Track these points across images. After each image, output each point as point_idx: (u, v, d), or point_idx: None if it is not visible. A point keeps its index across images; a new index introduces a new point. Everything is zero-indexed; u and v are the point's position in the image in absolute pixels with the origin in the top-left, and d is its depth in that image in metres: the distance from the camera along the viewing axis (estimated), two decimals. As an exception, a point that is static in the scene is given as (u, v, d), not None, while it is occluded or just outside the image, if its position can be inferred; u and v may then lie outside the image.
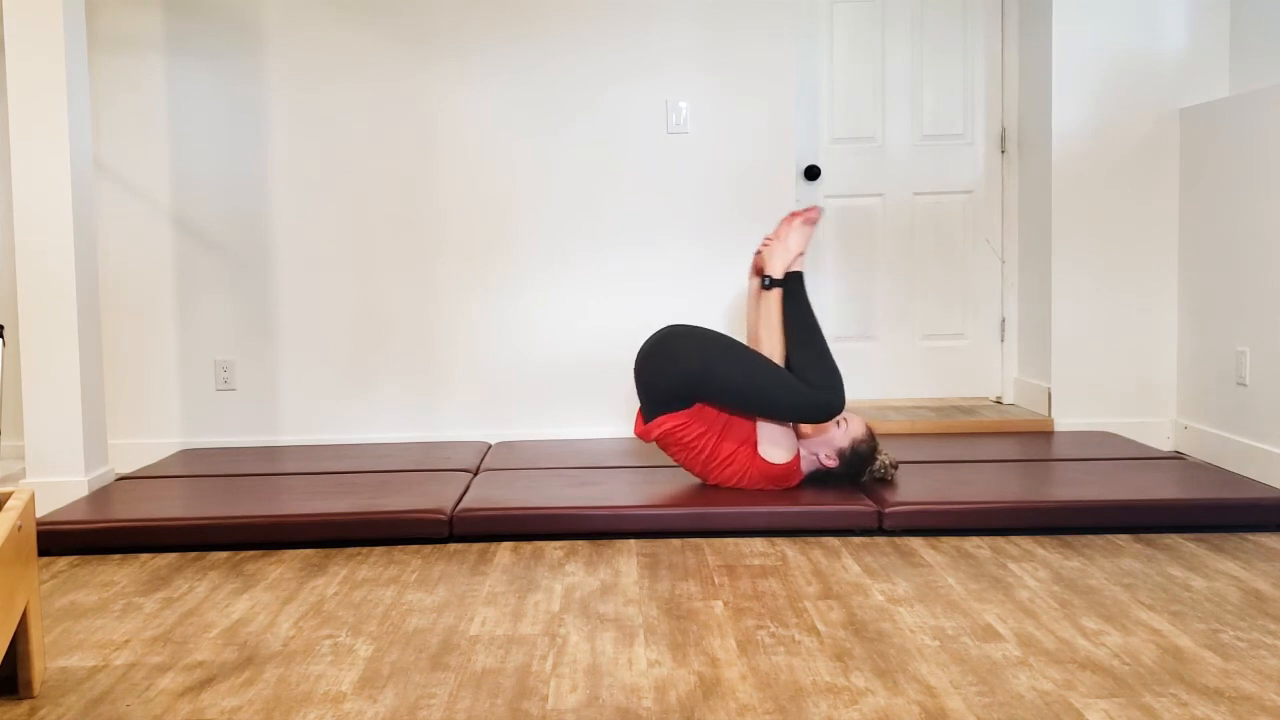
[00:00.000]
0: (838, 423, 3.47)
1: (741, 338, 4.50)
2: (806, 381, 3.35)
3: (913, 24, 4.90)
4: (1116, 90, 4.43)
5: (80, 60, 3.76)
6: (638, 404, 3.79)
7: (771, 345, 3.45)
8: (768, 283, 3.47)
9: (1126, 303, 4.49)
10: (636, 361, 3.51)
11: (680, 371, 3.38)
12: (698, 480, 3.57)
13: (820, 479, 3.53)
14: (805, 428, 3.47)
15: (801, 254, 3.50)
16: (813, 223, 3.52)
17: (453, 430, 4.57)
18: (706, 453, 3.44)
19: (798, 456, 3.46)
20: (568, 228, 4.49)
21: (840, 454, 3.46)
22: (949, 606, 2.58)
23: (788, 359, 3.43)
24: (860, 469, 3.49)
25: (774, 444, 3.44)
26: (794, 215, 3.52)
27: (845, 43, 4.91)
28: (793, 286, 3.47)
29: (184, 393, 4.54)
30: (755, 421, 3.45)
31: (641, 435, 3.51)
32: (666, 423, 3.43)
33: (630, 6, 4.48)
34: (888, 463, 3.52)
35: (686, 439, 3.43)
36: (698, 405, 3.41)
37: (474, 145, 4.51)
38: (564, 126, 4.51)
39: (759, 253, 3.55)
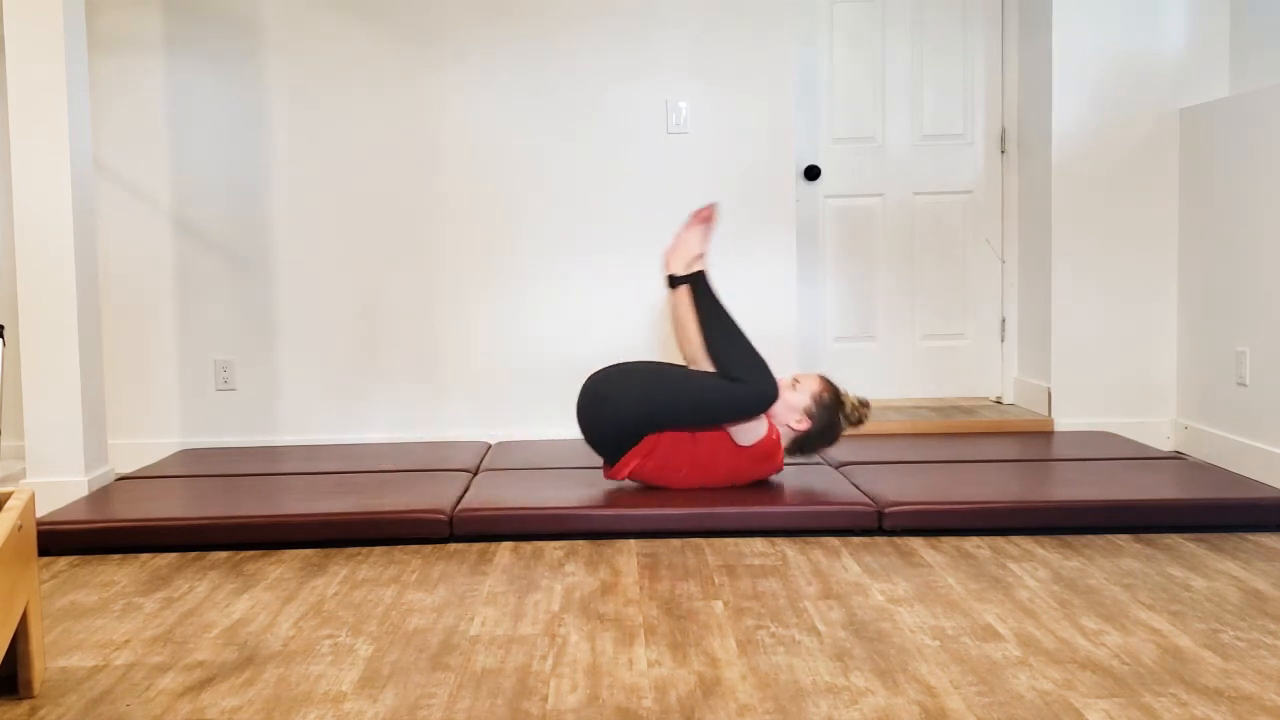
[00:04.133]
0: (793, 385, 3.49)
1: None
2: (735, 379, 3.34)
3: (913, 24, 4.90)
4: (1116, 91, 4.43)
5: (80, 60, 3.76)
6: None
7: (688, 343, 3.42)
8: (672, 281, 3.45)
9: (1126, 303, 4.49)
10: (579, 419, 3.49)
11: (622, 422, 3.39)
12: (697, 481, 3.57)
13: (804, 445, 3.52)
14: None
15: (701, 255, 3.46)
16: (707, 220, 3.49)
17: (453, 430, 4.57)
18: (688, 463, 3.44)
19: (772, 426, 3.46)
20: (568, 228, 4.49)
21: (807, 413, 3.47)
22: (949, 606, 2.58)
23: (713, 358, 3.39)
24: (833, 420, 3.48)
25: (744, 429, 3.43)
26: (693, 217, 3.49)
27: (845, 43, 4.91)
28: (697, 283, 3.44)
29: (184, 393, 4.54)
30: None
31: (613, 477, 3.52)
32: (632, 460, 3.44)
33: (631, 7, 4.48)
34: (856, 402, 3.51)
35: (661, 462, 3.44)
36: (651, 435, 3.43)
37: (474, 146, 4.51)
38: (564, 127, 4.51)
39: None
